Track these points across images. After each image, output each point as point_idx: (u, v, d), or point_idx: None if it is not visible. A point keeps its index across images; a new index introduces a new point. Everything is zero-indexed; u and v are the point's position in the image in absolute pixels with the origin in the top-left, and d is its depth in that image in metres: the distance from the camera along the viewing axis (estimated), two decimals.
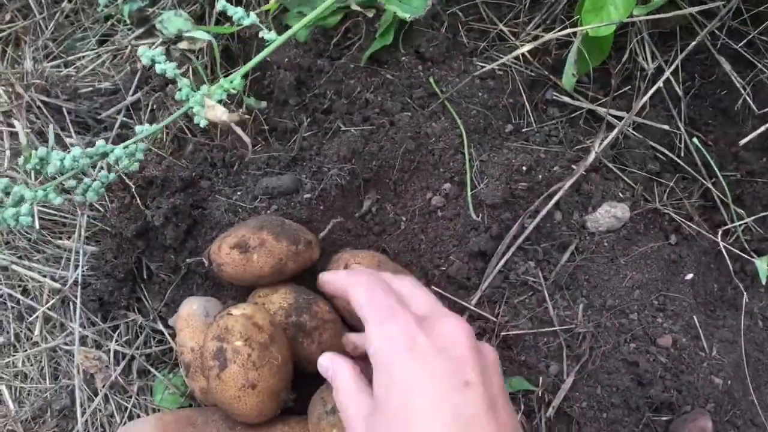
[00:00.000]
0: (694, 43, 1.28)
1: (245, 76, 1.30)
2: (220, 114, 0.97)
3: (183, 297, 1.24)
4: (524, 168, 1.27)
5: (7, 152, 1.29)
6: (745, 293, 1.27)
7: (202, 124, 1.03)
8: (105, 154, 1.03)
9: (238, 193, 1.29)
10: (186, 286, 1.26)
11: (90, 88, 1.39)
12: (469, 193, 1.27)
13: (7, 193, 0.97)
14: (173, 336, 1.23)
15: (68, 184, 1.02)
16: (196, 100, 1.02)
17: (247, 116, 1.02)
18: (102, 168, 1.19)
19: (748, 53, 1.36)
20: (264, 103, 1.19)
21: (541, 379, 1.14)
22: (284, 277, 1.19)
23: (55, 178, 1.02)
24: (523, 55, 1.43)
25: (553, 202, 1.25)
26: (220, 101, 1.00)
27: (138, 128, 1.11)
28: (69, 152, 1.00)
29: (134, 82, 1.37)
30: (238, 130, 1.07)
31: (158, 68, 1.09)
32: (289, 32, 1.20)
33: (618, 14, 1.23)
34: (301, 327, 1.14)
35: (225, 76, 1.10)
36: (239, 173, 1.33)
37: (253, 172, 1.32)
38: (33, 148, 1.00)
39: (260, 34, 1.19)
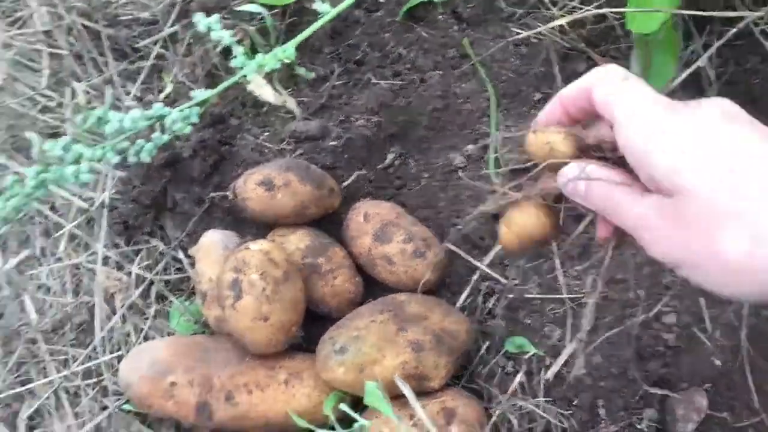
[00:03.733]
0: (735, 30, 1.28)
1: (277, 26, 1.31)
2: (267, 95, 1.01)
3: (204, 229, 1.27)
4: None
5: (46, 71, 1.32)
6: None
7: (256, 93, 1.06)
8: (162, 117, 1.06)
9: (266, 134, 1.31)
10: (208, 219, 1.29)
11: (129, 17, 1.41)
12: (491, 156, 1.29)
13: (66, 150, 0.99)
14: (192, 266, 1.27)
15: (120, 145, 1.05)
16: (250, 69, 1.05)
17: (293, 105, 1.06)
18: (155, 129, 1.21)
19: None
20: (313, 74, 1.21)
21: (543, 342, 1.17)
22: (304, 220, 1.22)
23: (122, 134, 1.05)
24: (560, 25, 1.43)
25: None
26: (273, 70, 1.04)
27: (193, 93, 1.13)
28: (127, 113, 1.04)
29: (173, 15, 1.39)
30: (291, 104, 1.10)
31: (214, 35, 1.12)
32: (344, 5, 1.22)
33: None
34: (316, 269, 1.18)
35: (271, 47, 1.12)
36: (268, 114, 1.35)
37: (282, 115, 1.34)
38: (89, 109, 1.02)
39: (314, 6, 1.21)
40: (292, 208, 1.18)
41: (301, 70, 1.17)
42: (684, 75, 1.30)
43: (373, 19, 1.45)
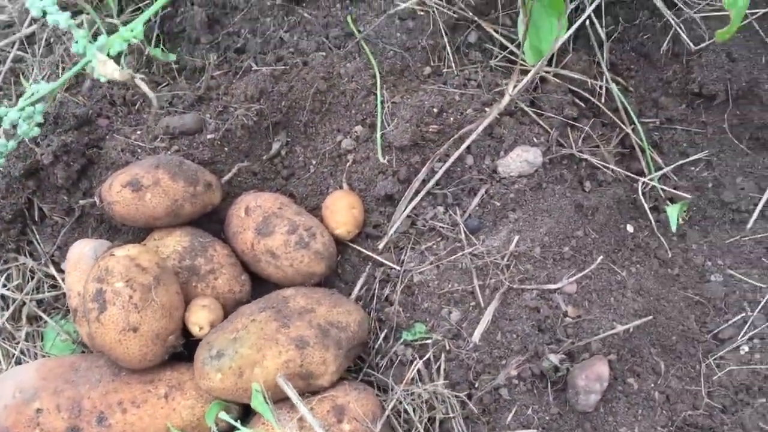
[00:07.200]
0: None
1: (149, 21, 1.22)
2: (111, 71, 0.92)
3: (77, 240, 1.18)
4: (435, 110, 1.22)
5: None
6: (662, 238, 1.25)
7: (103, 79, 0.97)
8: None
9: (138, 132, 1.23)
10: (81, 229, 1.21)
11: None
12: (378, 135, 1.23)
13: None
14: None
15: None
16: (93, 52, 0.95)
17: (140, 76, 0.96)
18: None
19: None
20: (173, 56, 1.12)
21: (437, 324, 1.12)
22: (181, 220, 1.14)
23: None
24: None
25: (465, 145, 1.21)
26: (120, 53, 0.95)
27: (32, 88, 1.03)
28: None
29: (30, 15, 1.29)
30: (142, 85, 1.01)
31: (50, 20, 1.01)
32: None
33: None
34: (195, 270, 1.10)
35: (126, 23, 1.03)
36: (140, 112, 1.27)
37: (156, 111, 1.26)
38: None
39: None
40: (164, 209, 1.10)
41: (156, 52, 1.08)
42: (569, 33, 1.26)
43: (253, 4, 1.38)
